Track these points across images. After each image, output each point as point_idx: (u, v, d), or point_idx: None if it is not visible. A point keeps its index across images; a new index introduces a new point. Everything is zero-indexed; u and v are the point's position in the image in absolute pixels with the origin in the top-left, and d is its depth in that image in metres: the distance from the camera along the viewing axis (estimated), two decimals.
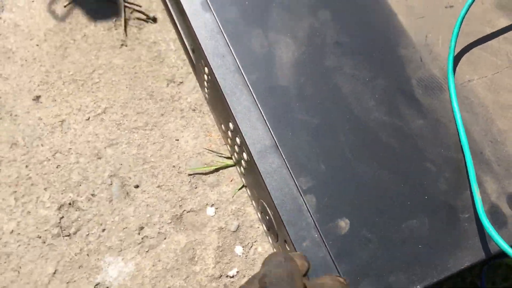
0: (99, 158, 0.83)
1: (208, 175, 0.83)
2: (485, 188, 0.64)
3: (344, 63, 0.70)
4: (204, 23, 0.71)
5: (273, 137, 0.65)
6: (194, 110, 0.88)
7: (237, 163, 0.81)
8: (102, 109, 0.87)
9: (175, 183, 0.82)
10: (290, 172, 0.63)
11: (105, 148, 0.84)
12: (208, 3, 0.72)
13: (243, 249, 0.79)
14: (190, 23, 0.71)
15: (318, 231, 0.60)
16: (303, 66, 0.69)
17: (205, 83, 0.79)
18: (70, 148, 0.83)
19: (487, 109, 0.69)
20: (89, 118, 0.86)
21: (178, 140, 0.85)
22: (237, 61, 0.68)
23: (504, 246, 0.55)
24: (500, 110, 0.69)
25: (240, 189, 0.83)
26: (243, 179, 0.81)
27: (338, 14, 0.74)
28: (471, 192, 0.63)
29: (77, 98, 0.87)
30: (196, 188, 0.82)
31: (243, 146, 0.67)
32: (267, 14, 0.72)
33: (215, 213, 0.81)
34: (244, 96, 0.67)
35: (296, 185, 0.62)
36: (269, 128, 0.65)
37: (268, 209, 0.67)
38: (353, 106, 0.67)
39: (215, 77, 0.68)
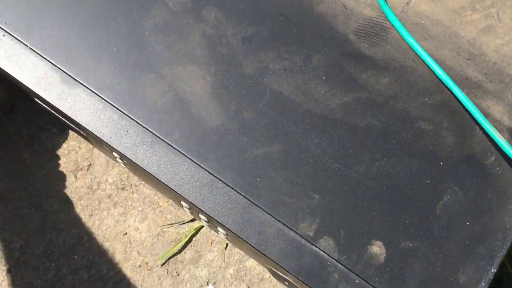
0: None
1: (183, 252, 0.68)
2: (493, 115, 0.53)
3: (265, 60, 0.55)
4: (80, 103, 0.52)
5: (241, 194, 0.50)
6: (123, 188, 0.71)
7: (210, 226, 0.66)
8: (18, 250, 0.68)
9: (152, 283, 0.67)
10: (285, 225, 0.49)
11: None
12: (72, 76, 0.53)
13: None
14: (64, 112, 0.53)
15: (356, 274, 0.48)
16: (224, 90, 0.53)
17: (123, 165, 0.62)
18: None
19: (443, 24, 0.57)
20: (10, 270, 0.67)
21: (126, 233, 0.69)
22: (146, 127, 0.52)
23: None
24: (456, 17, 0.58)
25: (226, 247, 0.68)
26: (225, 239, 0.67)
27: (225, 4, 0.57)
28: (483, 129, 0.52)
29: None
30: (178, 275, 0.67)
31: (214, 222, 0.52)
32: (145, 50, 0.55)
33: None
34: (180, 165, 0.51)
35: (301, 236, 0.49)
36: (231, 187, 0.50)
37: (284, 276, 0.53)
38: (305, 105, 0.53)
39: (132, 160, 0.52)
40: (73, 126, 0.61)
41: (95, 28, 0.55)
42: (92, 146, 0.73)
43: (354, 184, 0.50)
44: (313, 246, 0.48)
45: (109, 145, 0.52)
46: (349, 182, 0.51)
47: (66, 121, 0.61)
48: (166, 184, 0.51)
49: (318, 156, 0.51)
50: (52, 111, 0.61)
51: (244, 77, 0.54)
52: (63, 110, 0.52)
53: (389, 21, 0.57)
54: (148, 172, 0.51)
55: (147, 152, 0.51)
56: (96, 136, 0.52)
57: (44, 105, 0.60)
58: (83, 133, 0.61)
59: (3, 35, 0.54)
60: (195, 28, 0.56)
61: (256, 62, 0.55)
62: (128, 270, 0.67)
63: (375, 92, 0.54)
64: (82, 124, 0.52)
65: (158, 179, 0.51)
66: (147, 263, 0.67)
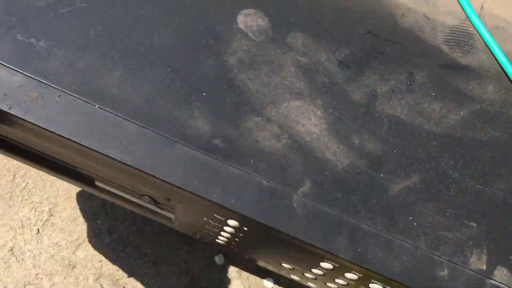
0: (74, 267, 0.64)
1: None
2: None
3: (370, 83, 0.49)
4: (182, 166, 0.42)
5: (399, 240, 0.43)
6: None
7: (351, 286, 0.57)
8: (47, 212, 0.66)
9: (169, 250, 0.67)
10: (456, 264, 0.43)
11: (73, 253, 0.65)
12: (163, 135, 0.42)
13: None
14: (164, 179, 0.42)
15: None
16: (340, 123, 0.47)
17: (224, 240, 0.52)
18: (37, 273, 0.64)
19: None
20: (38, 231, 0.65)
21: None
22: (268, 182, 0.43)
23: None
24: None
25: None
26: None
27: (308, 27, 0.51)
28: None
29: (13, 215, 0.66)
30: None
31: (373, 277, 0.44)
32: (238, 90, 0.46)
33: (224, 260, 0.70)
34: (321, 219, 0.42)
35: (476, 272, 0.43)
36: (386, 234, 0.43)
37: None
38: (426, 126, 0.48)
39: (261, 222, 0.42)
40: (165, 212, 0.50)
41: (173, 73, 0.45)
42: None
43: (502, 203, 0.47)
44: (492, 281, 0.43)
45: (224, 207, 0.42)
46: (497, 201, 0.47)
47: (157, 204, 0.50)
48: (310, 244, 0.42)
49: (459, 179, 0.47)
50: (129, 193, 0.49)
51: (356, 105, 0.48)
52: (163, 178, 0.41)
53: (474, 26, 0.54)
54: (284, 233, 0.42)
55: (276, 209, 0.42)
56: (211, 201, 0.42)
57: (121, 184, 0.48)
58: (181, 200, 0.49)
59: (59, 96, 0.42)
60: (286, 58, 0.48)
61: (361, 87, 0.49)
62: (147, 236, 0.67)
63: (486, 102, 0.51)
64: (191, 190, 0.42)
65: (295, 237, 0.42)
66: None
